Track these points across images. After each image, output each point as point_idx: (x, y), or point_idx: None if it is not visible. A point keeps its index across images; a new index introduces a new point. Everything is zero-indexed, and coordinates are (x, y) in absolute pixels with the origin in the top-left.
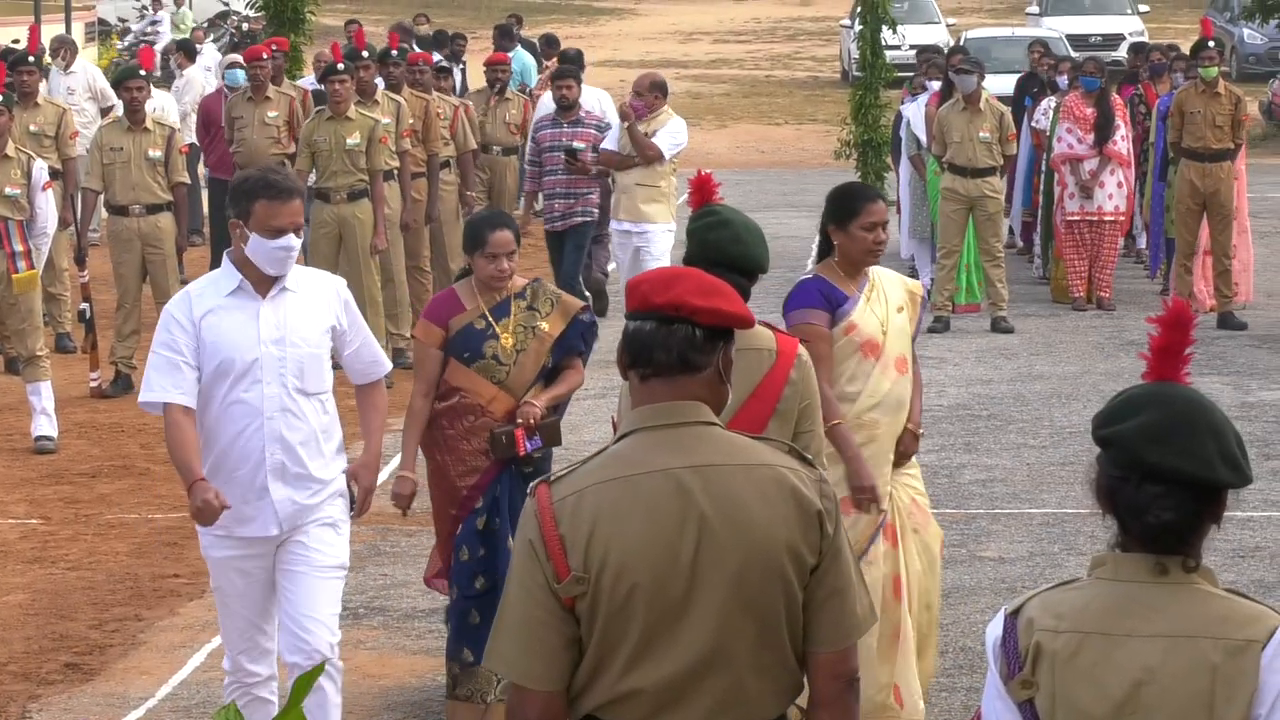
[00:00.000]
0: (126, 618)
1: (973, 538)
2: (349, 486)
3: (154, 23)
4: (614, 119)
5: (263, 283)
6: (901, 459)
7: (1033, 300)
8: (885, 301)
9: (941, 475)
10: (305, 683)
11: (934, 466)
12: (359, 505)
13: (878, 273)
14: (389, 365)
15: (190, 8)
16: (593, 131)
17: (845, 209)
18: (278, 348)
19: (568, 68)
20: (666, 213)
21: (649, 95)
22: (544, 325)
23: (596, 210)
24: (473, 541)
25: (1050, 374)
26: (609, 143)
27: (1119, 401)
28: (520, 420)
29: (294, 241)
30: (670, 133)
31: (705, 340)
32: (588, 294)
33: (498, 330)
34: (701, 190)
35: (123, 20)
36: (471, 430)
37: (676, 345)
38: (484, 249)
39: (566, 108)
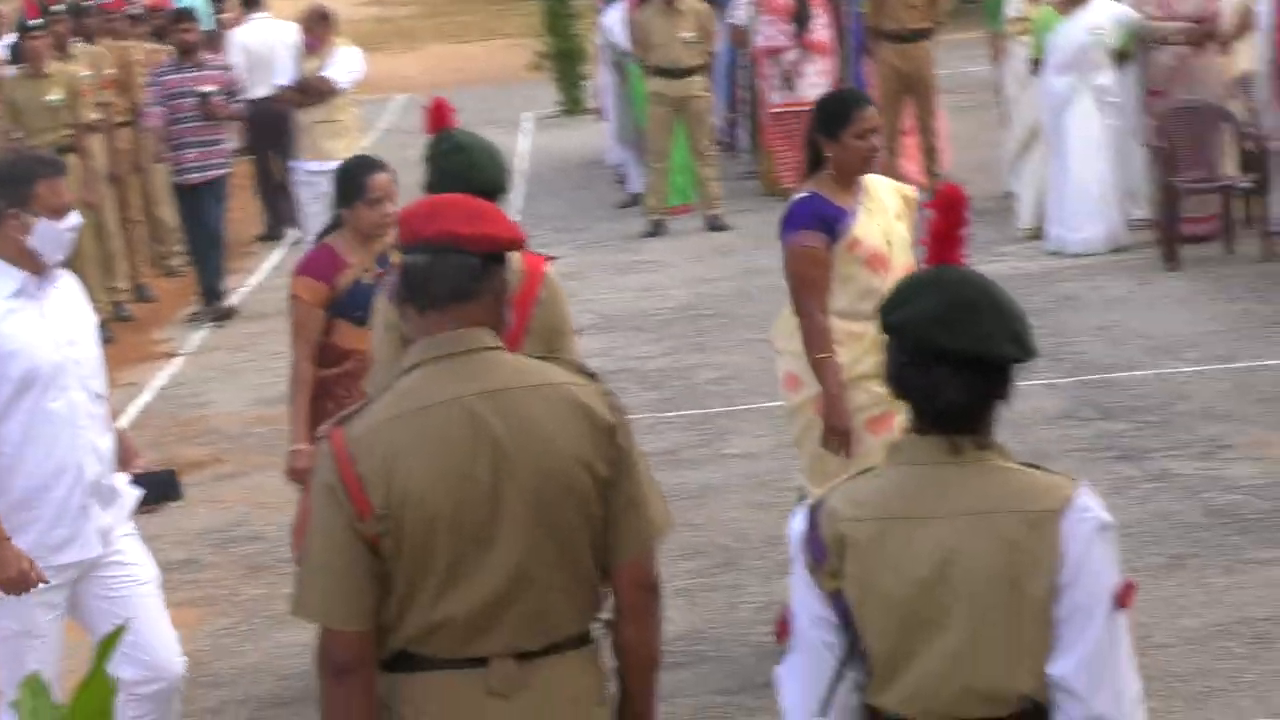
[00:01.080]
0: None
1: (716, 436)
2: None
3: None
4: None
5: (39, 278)
6: None
7: (744, 195)
8: (885, 211)
9: (675, 377)
10: (108, 645)
11: (667, 370)
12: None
13: (872, 181)
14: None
15: None
16: (218, 73)
17: (837, 118)
18: (73, 349)
19: (185, 9)
20: (352, 147)
21: (317, 28)
22: None
23: (230, 160)
24: None
25: (771, 268)
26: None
27: (902, 287)
28: None
29: (79, 218)
30: (342, 63)
31: (480, 267)
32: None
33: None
34: (437, 115)
35: None
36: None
37: (451, 275)
38: (364, 195)
39: (186, 51)
